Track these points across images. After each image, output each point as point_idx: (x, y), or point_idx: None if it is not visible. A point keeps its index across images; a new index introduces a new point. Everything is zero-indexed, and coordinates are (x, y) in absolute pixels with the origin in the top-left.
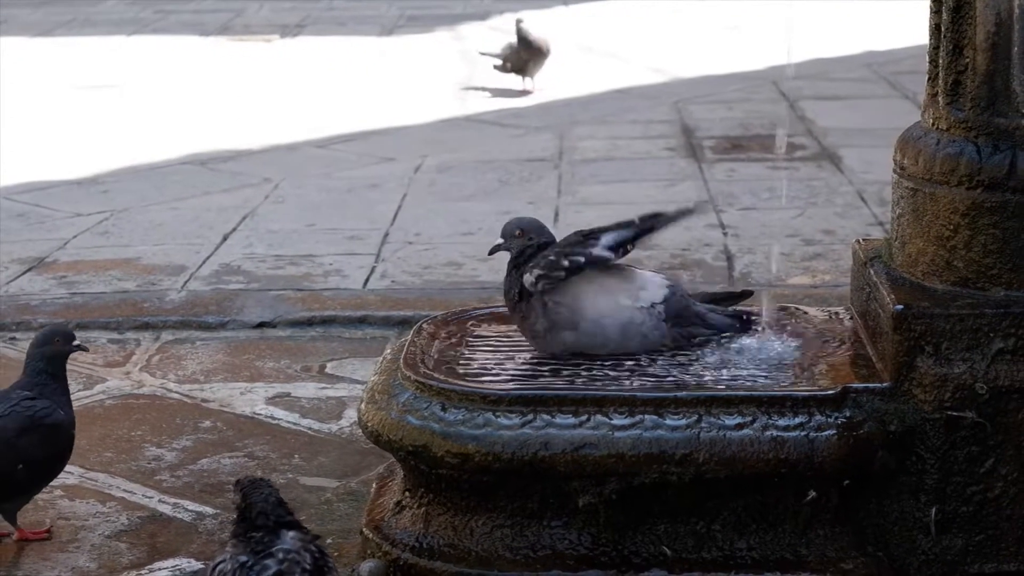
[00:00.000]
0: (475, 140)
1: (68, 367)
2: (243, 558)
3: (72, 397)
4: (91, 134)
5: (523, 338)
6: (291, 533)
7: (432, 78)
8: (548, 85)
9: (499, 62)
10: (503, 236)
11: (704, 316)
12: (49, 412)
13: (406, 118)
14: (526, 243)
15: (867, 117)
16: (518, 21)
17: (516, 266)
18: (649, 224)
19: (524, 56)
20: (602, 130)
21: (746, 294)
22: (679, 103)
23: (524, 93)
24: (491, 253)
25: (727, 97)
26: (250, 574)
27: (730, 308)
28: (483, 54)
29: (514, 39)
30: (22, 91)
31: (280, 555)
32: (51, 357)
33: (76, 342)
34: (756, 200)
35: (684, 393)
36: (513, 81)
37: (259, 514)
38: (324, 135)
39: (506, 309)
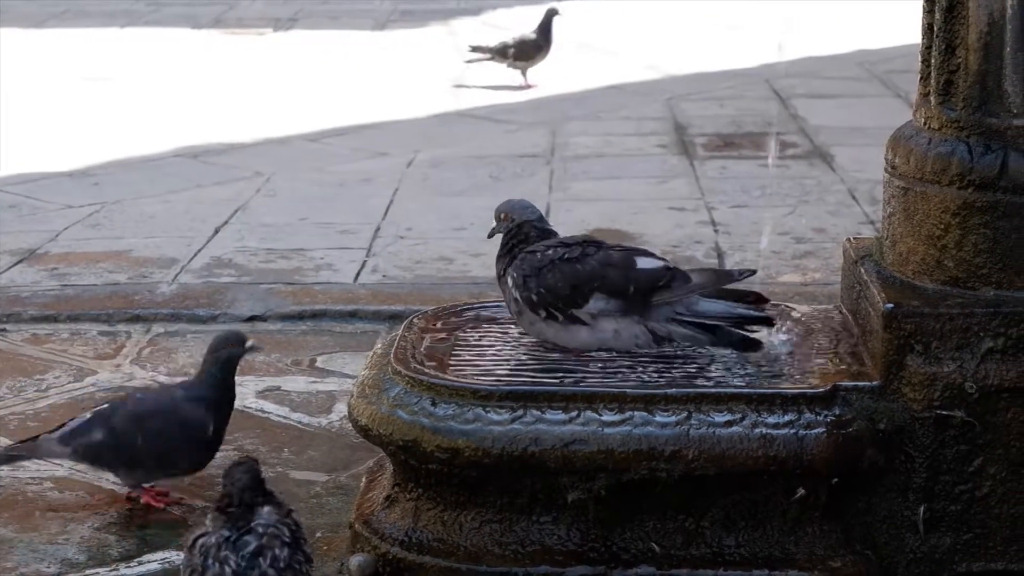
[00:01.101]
0: (467, 135)
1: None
2: (226, 532)
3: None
4: (83, 126)
5: (513, 334)
6: (266, 508)
7: (425, 73)
8: (542, 81)
9: (492, 51)
10: (495, 218)
11: (690, 323)
12: (187, 410)
13: (399, 113)
14: (508, 224)
15: (859, 116)
16: (552, 10)
17: (504, 243)
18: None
19: (536, 46)
20: (595, 126)
21: (759, 300)
22: (672, 100)
23: (521, 88)
24: (490, 236)
25: (719, 94)
26: (233, 548)
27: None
28: (473, 50)
29: (508, 38)
30: (14, 82)
31: (260, 529)
32: (225, 361)
33: (249, 343)
34: (747, 197)
35: (674, 390)
36: (507, 77)
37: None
38: (316, 129)
39: (498, 306)
